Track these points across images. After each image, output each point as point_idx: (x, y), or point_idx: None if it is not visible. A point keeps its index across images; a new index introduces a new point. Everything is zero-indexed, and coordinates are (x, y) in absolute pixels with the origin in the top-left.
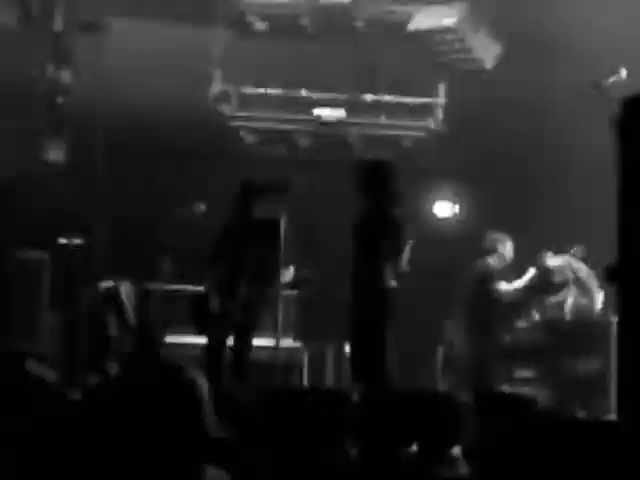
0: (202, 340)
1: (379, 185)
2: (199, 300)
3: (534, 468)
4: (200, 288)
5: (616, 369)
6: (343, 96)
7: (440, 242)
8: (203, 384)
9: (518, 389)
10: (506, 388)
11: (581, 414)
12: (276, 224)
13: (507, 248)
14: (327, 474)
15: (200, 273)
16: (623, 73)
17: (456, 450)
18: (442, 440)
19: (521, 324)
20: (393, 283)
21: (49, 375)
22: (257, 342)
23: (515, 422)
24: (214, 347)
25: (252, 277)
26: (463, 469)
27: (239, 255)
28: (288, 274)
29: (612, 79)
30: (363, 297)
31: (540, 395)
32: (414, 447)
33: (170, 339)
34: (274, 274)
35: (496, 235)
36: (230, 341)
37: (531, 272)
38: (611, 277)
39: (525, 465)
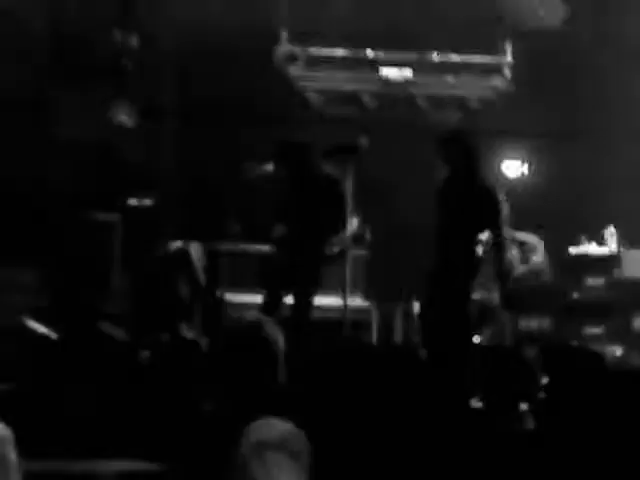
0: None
1: (461, 155)
2: (267, 258)
3: (602, 422)
4: (266, 247)
5: None
6: (410, 56)
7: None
8: (280, 340)
9: (588, 345)
10: (574, 344)
11: None
12: (338, 183)
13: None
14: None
15: (266, 232)
16: None
17: (524, 405)
18: (510, 395)
19: (590, 282)
20: (480, 250)
21: (120, 334)
22: (326, 301)
23: (582, 376)
24: (272, 302)
25: (315, 234)
26: (530, 424)
27: (303, 213)
28: (351, 229)
29: None
30: (450, 265)
31: (608, 351)
32: (481, 402)
33: (239, 298)
34: (337, 231)
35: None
36: (290, 298)
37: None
38: None
39: (593, 420)
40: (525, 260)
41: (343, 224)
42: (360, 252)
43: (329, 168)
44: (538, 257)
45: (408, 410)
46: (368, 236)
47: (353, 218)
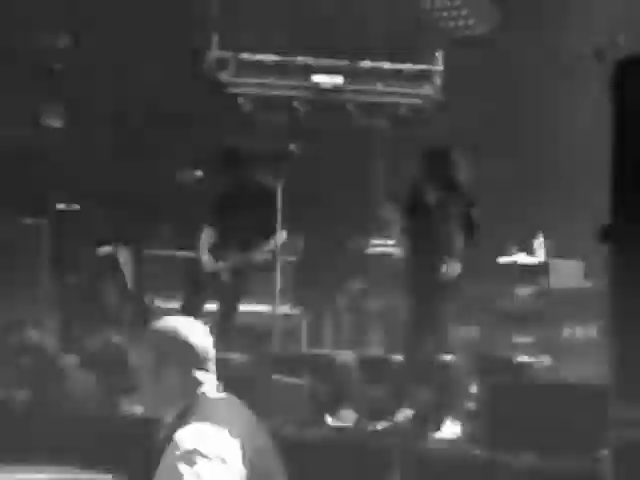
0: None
1: (445, 173)
2: (190, 265)
3: (527, 427)
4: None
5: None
6: (341, 63)
7: None
8: (209, 343)
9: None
10: (505, 353)
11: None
12: (269, 191)
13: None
14: (326, 437)
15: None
16: (621, 40)
17: (453, 413)
18: (439, 404)
19: (519, 291)
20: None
21: (48, 341)
22: (255, 308)
23: (511, 386)
24: (191, 310)
25: (242, 243)
26: (461, 433)
27: (230, 221)
28: (280, 239)
29: (611, 46)
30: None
31: (537, 361)
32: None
33: (168, 304)
34: (265, 240)
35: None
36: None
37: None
38: (605, 237)
39: (519, 424)
40: None
41: (272, 232)
42: (290, 259)
43: (261, 175)
44: None
45: None
46: (300, 243)
47: (284, 230)
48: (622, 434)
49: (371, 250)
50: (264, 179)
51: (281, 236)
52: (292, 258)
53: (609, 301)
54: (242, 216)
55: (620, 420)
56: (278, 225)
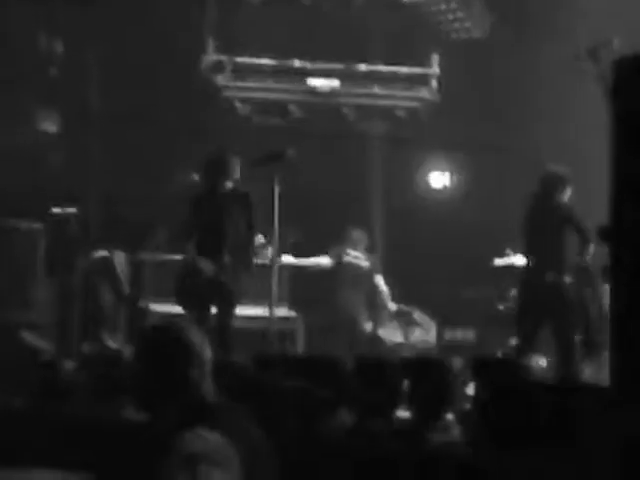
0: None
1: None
2: (186, 271)
3: (526, 432)
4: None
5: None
6: (337, 66)
7: (433, 212)
8: (205, 347)
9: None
10: (500, 355)
11: (575, 380)
12: (246, 196)
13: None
14: (324, 440)
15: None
16: (616, 42)
17: (449, 415)
18: (435, 405)
19: (515, 293)
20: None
21: (43, 345)
22: (252, 311)
23: (511, 387)
24: (200, 316)
25: (234, 247)
26: (456, 434)
27: (221, 225)
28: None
29: (606, 48)
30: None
31: (533, 362)
32: (408, 413)
33: (163, 308)
34: (254, 243)
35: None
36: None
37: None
38: (604, 237)
39: (517, 429)
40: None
41: (250, 237)
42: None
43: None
44: (423, 335)
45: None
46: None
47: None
48: (623, 435)
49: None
50: (241, 188)
51: (258, 239)
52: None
53: (610, 302)
54: (231, 219)
55: (620, 421)
56: (274, 227)
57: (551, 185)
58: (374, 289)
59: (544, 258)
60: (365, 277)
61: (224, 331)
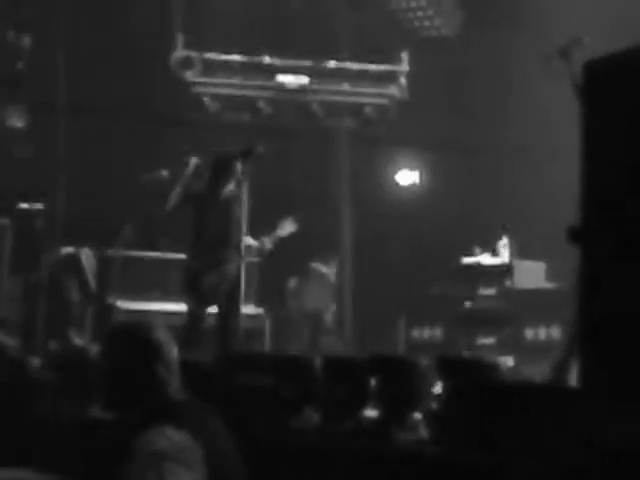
0: (163, 307)
1: None
2: (192, 275)
3: (494, 432)
4: (161, 255)
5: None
6: (306, 63)
7: (401, 210)
8: (172, 346)
9: (479, 355)
10: (467, 354)
11: (541, 380)
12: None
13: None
14: (290, 438)
15: (160, 239)
16: (586, 40)
17: (417, 414)
18: (403, 405)
19: (483, 292)
20: None
21: (9, 341)
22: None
23: (478, 386)
24: (200, 317)
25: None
26: (423, 433)
27: (220, 226)
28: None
29: (576, 46)
30: None
31: (500, 361)
32: (376, 412)
33: (130, 305)
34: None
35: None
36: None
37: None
38: (574, 238)
39: (485, 429)
40: None
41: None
42: (253, 260)
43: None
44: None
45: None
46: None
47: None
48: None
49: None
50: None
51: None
52: (256, 259)
53: (580, 304)
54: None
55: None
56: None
57: None
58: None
59: None
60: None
61: (233, 331)
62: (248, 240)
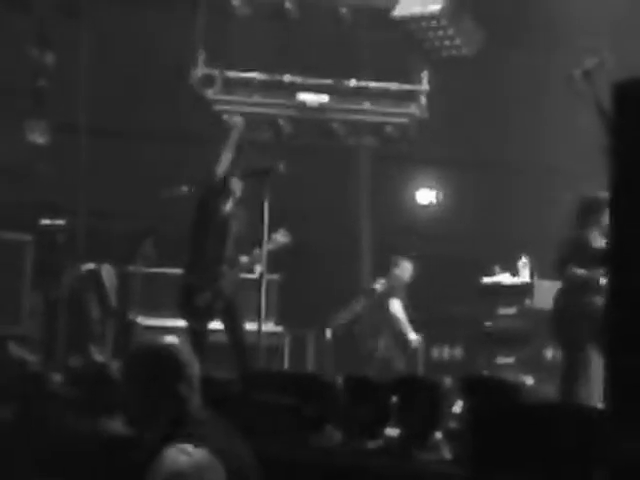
0: (183, 323)
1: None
2: (186, 291)
3: (517, 452)
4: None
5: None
6: (327, 81)
7: (420, 229)
8: (193, 364)
9: (500, 374)
10: (487, 374)
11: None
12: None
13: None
14: (311, 457)
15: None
16: (609, 62)
17: (438, 434)
18: (424, 424)
19: (502, 311)
20: None
21: (30, 357)
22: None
23: (501, 406)
24: (200, 333)
25: (231, 263)
26: (444, 452)
27: (216, 243)
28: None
29: (599, 67)
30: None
31: (519, 381)
32: (397, 431)
33: (151, 321)
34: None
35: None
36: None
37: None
38: (603, 262)
39: (508, 449)
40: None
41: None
42: (273, 277)
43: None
44: None
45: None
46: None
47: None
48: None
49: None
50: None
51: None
52: (276, 276)
53: (608, 325)
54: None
55: (615, 440)
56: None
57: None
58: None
59: None
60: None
61: (243, 347)
62: (242, 258)
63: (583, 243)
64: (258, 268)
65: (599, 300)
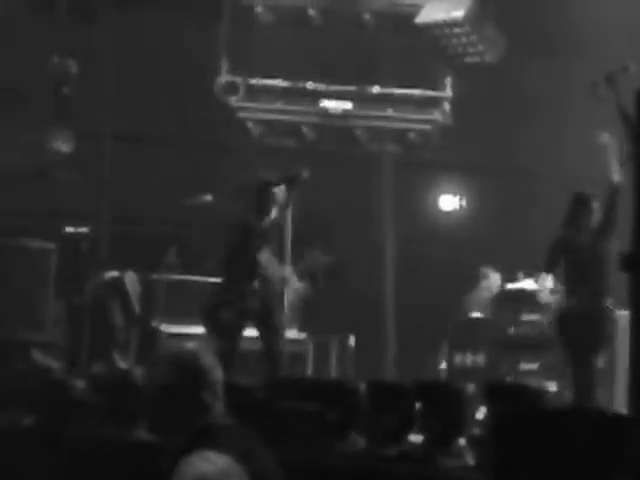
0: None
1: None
2: (213, 307)
3: (541, 458)
4: (205, 279)
5: (623, 363)
6: (350, 88)
7: (443, 235)
8: (217, 371)
9: (523, 381)
10: (510, 380)
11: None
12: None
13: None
14: (335, 463)
15: (204, 263)
16: (633, 68)
17: (461, 440)
18: (448, 430)
19: (526, 318)
20: None
21: (54, 364)
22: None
23: (525, 412)
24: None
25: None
26: (468, 459)
27: (253, 254)
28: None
29: (622, 73)
30: None
31: (542, 387)
32: (420, 437)
33: (174, 328)
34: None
35: (485, 269)
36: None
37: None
38: (627, 266)
39: (532, 455)
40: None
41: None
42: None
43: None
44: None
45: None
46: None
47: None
48: None
49: None
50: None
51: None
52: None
53: (632, 327)
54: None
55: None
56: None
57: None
58: None
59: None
60: None
61: (274, 356)
62: (281, 271)
63: (572, 242)
64: (295, 284)
65: (594, 303)
